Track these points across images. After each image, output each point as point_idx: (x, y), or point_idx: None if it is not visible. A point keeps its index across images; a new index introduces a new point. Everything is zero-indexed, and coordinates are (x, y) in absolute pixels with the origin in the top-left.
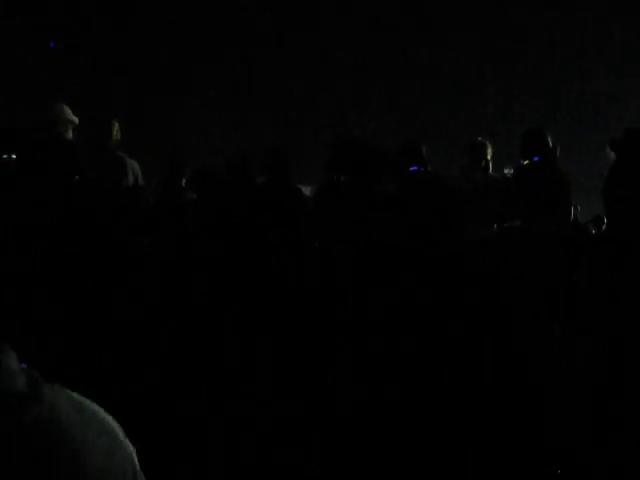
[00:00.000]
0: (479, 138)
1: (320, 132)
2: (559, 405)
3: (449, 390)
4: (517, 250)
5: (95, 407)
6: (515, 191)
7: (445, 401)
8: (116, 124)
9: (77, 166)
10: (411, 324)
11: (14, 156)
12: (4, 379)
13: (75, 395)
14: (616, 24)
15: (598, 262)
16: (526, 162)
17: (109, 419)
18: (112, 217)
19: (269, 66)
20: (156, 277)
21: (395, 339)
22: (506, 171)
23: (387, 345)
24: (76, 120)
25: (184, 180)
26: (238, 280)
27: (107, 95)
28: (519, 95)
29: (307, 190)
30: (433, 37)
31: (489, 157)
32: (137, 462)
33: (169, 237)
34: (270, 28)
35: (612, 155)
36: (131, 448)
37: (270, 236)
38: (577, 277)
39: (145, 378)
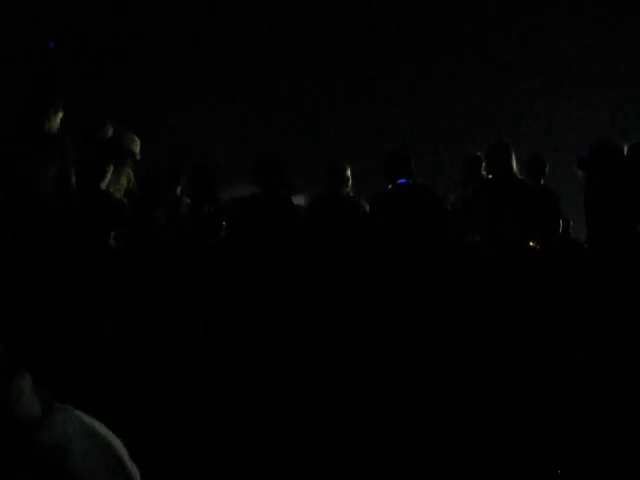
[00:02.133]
0: (478, 153)
1: (313, 139)
2: (560, 405)
3: (447, 389)
4: (479, 264)
5: (104, 430)
6: (475, 206)
7: (444, 400)
8: (110, 126)
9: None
10: (404, 333)
11: None
12: (17, 403)
13: (86, 418)
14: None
15: (585, 275)
16: (490, 176)
17: (116, 442)
18: (99, 225)
19: (266, 67)
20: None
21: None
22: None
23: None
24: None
25: (179, 188)
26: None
27: (105, 96)
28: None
29: (301, 199)
30: (420, 45)
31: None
32: None
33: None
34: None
35: (581, 173)
36: (135, 470)
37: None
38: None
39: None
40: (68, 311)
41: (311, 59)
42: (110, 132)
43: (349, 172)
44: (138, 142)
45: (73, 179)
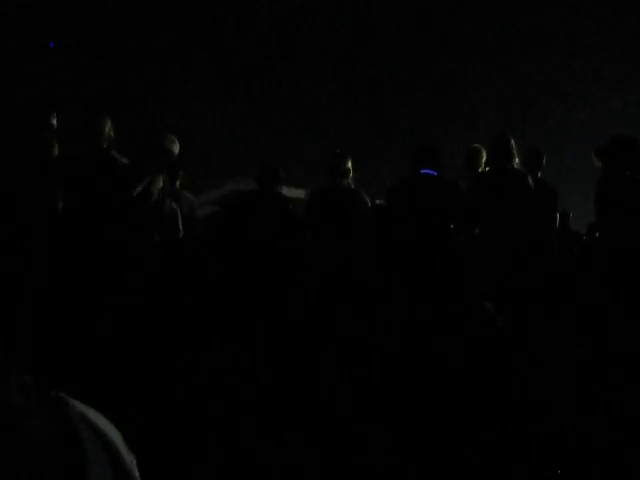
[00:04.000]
0: (475, 144)
1: (316, 134)
2: (560, 405)
3: (447, 389)
4: (477, 262)
5: (97, 417)
6: (475, 198)
7: (444, 399)
8: (108, 120)
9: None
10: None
11: None
12: (7, 392)
13: (79, 405)
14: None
15: (591, 267)
16: (487, 169)
17: (112, 432)
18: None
19: (267, 65)
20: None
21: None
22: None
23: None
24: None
25: (178, 182)
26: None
27: (105, 92)
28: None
29: (302, 193)
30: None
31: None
32: (136, 471)
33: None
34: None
35: (597, 163)
36: (132, 459)
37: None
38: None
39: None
40: (68, 311)
41: (311, 59)
42: (108, 127)
43: (350, 164)
44: (177, 143)
45: (58, 180)
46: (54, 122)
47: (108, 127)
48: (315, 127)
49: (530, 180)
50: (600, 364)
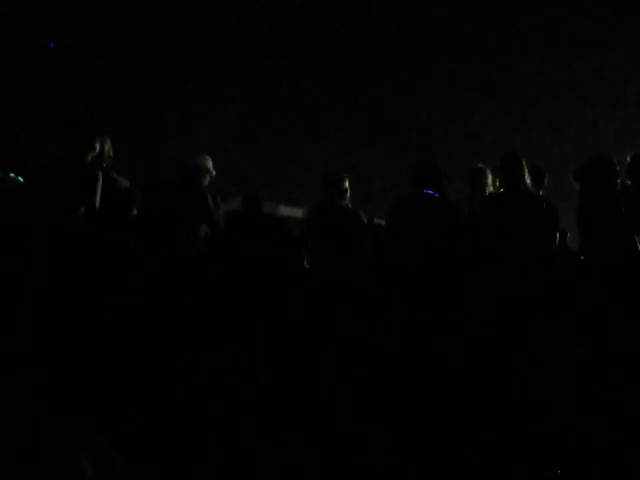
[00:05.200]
0: (480, 165)
1: (314, 152)
2: (560, 405)
3: (447, 389)
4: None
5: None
6: (481, 218)
7: (444, 400)
8: (108, 141)
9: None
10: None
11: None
12: None
13: (59, 415)
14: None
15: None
16: (501, 190)
17: (96, 439)
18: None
19: (267, 76)
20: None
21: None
22: None
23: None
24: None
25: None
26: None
27: (105, 93)
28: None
29: (299, 211)
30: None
31: (489, 182)
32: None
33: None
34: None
35: (576, 185)
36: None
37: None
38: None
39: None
40: (68, 311)
41: (311, 59)
42: (107, 146)
43: (347, 184)
44: (210, 160)
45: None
46: (97, 146)
47: (108, 146)
48: (314, 132)
49: (540, 200)
50: (600, 364)
